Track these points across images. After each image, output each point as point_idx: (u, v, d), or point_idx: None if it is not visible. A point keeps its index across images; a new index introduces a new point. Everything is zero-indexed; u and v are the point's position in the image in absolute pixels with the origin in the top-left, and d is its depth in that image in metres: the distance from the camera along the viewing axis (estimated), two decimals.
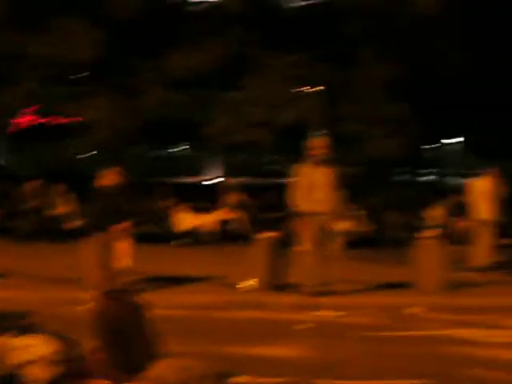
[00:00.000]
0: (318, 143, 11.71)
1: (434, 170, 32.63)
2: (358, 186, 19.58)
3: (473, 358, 7.74)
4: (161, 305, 8.92)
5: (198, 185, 27.24)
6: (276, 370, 6.95)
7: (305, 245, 11.42)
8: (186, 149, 31.76)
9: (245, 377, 6.52)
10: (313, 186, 11.29)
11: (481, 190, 14.81)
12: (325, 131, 19.69)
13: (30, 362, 4.77)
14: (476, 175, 15.63)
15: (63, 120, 24.34)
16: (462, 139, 31.54)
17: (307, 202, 11.27)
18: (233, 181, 22.55)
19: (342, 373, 6.99)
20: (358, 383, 6.71)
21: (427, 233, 13.12)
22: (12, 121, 24.82)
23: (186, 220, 19.18)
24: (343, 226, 14.71)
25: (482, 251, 14.60)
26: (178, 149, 32.10)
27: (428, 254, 12.18)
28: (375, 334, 8.97)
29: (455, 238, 15.65)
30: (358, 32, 22.10)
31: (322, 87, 22.69)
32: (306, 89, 23.16)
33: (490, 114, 23.66)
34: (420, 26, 22.16)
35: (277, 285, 11.71)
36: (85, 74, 22.79)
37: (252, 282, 11.71)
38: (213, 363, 6.63)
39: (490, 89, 23.34)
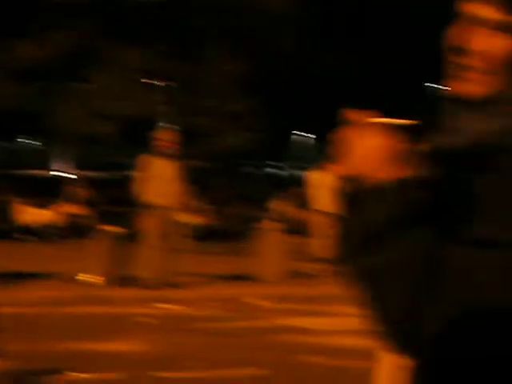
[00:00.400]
0: (166, 136, 11.77)
1: (282, 163, 33.30)
2: (207, 179, 19.78)
3: (309, 345, 8.03)
4: (4, 302, 8.79)
5: (44, 178, 26.66)
6: (114, 364, 6.98)
7: (151, 238, 11.46)
8: (33, 141, 31.09)
9: (80, 373, 6.55)
10: (160, 179, 11.33)
11: (321, 183, 15.21)
12: (173, 125, 19.74)
13: None
14: (317, 168, 16.00)
15: None
16: (311, 134, 32.32)
17: (154, 195, 11.31)
18: (81, 174, 22.29)
19: (181, 365, 7.10)
20: (195, 374, 6.84)
21: (269, 225, 13.43)
22: None
23: (30, 214, 18.81)
24: (190, 219, 14.84)
25: (323, 242, 15.00)
26: (24, 141, 31.39)
27: (269, 245, 12.48)
28: (218, 325, 9.13)
29: (298, 230, 16.02)
30: (208, 27, 22.26)
31: (171, 81, 22.73)
32: (155, 82, 23.14)
33: (336, 109, 24.31)
34: (270, 22, 22.56)
35: (121, 279, 11.69)
36: None
37: (96, 278, 11.65)
38: (48, 360, 6.66)
39: (336, 84, 24.02)
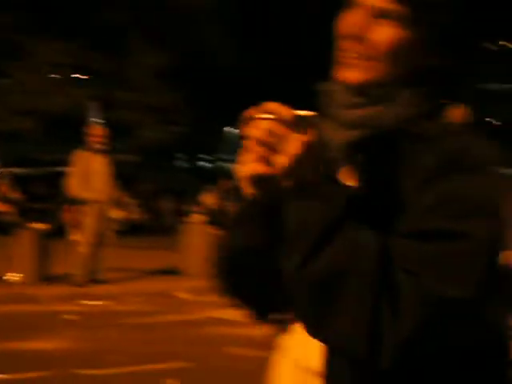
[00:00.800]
0: (95, 131, 11.69)
1: (213, 157, 33.29)
2: (135, 173, 19.68)
3: (235, 337, 8.11)
4: None
5: None
6: (39, 363, 6.91)
7: (80, 234, 11.36)
8: None
9: (3, 373, 6.49)
10: (90, 174, 11.25)
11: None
12: (100, 119, 19.59)
13: None
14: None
15: None
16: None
17: (84, 190, 11.22)
18: (4, 171, 21.91)
19: (108, 361, 7.08)
20: (122, 370, 6.84)
21: (197, 218, 13.45)
22: None
23: None
24: (118, 213, 14.72)
25: None
26: None
27: (197, 239, 12.50)
28: (144, 320, 9.13)
29: (226, 223, 16.01)
30: (129, 20, 22.12)
31: (96, 75, 22.52)
32: (78, 76, 22.89)
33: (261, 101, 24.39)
34: (193, 15, 22.54)
35: (47, 276, 11.59)
36: None
37: (18, 276, 11.50)
38: None
39: (259, 79, 24.12)
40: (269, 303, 1.62)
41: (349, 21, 1.53)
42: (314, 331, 1.40)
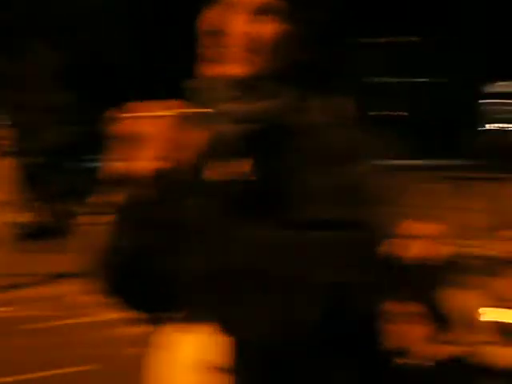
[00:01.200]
0: None
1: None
2: (36, 175, 19.30)
3: (134, 337, 8.10)
4: None
5: None
6: None
7: None
8: None
9: None
10: None
11: None
12: (3, 122, 19.14)
13: None
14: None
15: None
16: None
17: None
18: None
19: (9, 369, 6.93)
20: (26, 377, 6.75)
21: (91, 219, 13.33)
22: None
23: None
24: (18, 217, 14.46)
25: None
26: None
27: (90, 240, 12.41)
28: (44, 325, 8.98)
29: (116, 223, 15.80)
30: (25, 19, 21.70)
31: None
32: None
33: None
34: (89, 14, 22.29)
35: None
36: None
37: None
38: None
39: (154, 77, 24.03)
40: (153, 302, 1.61)
41: (222, 17, 1.52)
42: (224, 326, 1.42)
